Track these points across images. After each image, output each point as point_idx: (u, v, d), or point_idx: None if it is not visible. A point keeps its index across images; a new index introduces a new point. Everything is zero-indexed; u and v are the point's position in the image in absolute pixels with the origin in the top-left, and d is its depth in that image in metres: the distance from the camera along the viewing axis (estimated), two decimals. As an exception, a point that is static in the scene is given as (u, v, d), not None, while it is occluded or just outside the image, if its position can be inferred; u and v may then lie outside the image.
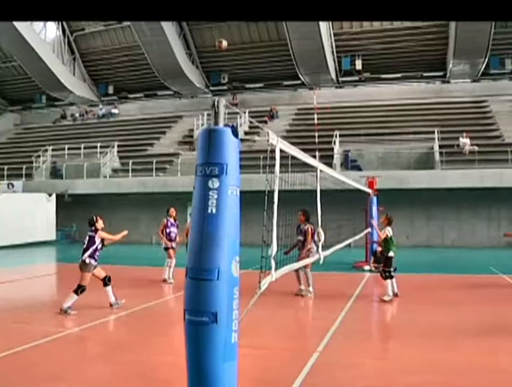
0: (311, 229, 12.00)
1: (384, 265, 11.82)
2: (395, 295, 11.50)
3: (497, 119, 32.74)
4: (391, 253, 11.73)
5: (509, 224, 26.23)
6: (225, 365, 4.28)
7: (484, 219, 26.94)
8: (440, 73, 38.46)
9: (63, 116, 43.33)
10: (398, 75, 39.20)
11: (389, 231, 11.75)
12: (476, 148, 28.19)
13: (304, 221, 12.19)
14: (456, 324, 9.16)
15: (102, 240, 10.33)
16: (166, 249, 14.65)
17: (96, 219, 10.42)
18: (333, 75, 38.16)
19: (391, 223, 11.90)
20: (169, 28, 36.10)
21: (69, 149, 34.42)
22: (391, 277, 11.52)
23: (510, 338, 8.37)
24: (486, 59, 35.40)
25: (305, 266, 11.66)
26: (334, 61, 38.06)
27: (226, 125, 4.51)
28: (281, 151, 5.88)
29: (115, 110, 41.62)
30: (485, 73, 37.06)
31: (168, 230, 14.59)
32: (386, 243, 11.79)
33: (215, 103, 4.42)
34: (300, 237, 12.14)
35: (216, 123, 4.44)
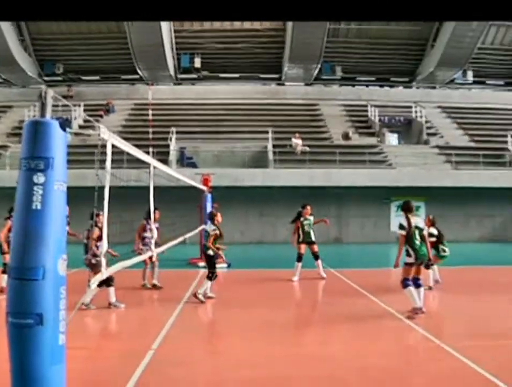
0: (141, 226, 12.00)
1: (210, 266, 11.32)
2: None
3: (327, 122, 34.75)
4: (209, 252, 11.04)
5: (336, 221, 27.80)
6: (53, 368, 4.07)
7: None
8: (276, 76, 40.03)
9: None
10: (236, 75, 40.15)
11: None
12: (307, 149, 29.62)
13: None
14: (289, 316, 9.54)
15: None
16: None
17: None
18: (172, 72, 38.09)
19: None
20: None
21: None
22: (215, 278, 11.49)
23: (338, 327, 8.91)
24: (319, 65, 37.54)
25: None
26: (174, 57, 38.02)
27: (56, 118, 4.30)
28: (113, 146, 5.72)
29: None
30: (317, 78, 39.32)
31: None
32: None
33: (43, 94, 4.19)
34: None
35: (43, 115, 4.20)
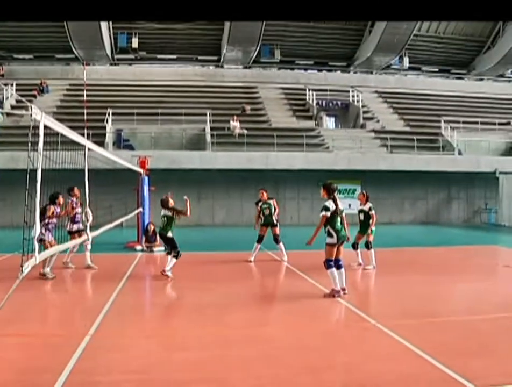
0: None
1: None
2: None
3: (265, 105, 34.84)
4: None
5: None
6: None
7: (251, 198, 28.44)
8: (215, 58, 39.83)
9: None
10: (174, 56, 39.75)
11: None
12: (245, 131, 29.65)
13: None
14: (225, 298, 9.57)
15: None
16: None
17: None
18: (109, 52, 37.28)
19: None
20: None
21: None
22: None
23: (274, 307, 9.02)
24: (258, 48, 37.50)
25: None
26: (110, 37, 37.23)
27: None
28: (46, 127, 5.56)
29: None
30: (256, 61, 39.29)
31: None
32: None
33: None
34: None
35: (-29, 94, 4.03)
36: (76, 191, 12.41)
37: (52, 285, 10.78)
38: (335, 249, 9.52)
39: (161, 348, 6.53)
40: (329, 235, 9.47)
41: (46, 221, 11.06)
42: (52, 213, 11.30)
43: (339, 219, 9.56)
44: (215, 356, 6.19)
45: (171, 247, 12.08)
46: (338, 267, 9.51)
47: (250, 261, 14.04)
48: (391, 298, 9.89)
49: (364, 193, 13.31)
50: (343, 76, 40.55)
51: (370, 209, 12.87)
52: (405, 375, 5.48)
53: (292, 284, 11.16)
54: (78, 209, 12.61)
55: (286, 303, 9.33)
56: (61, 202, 11.69)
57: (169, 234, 12.06)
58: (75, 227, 12.58)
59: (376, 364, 5.85)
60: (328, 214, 9.42)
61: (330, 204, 9.51)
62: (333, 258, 9.49)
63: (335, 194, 9.67)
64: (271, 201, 14.49)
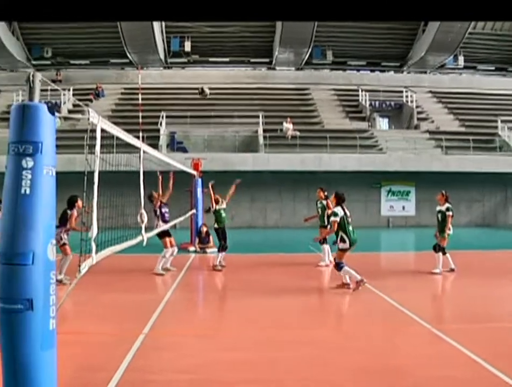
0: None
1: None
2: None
3: (317, 106, 34.70)
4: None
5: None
6: (43, 353, 4.05)
7: (304, 200, 28.38)
8: (267, 60, 39.86)
9: None
10: (226, 59, 39.98)
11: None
12: (298, 133, 29.60)
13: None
14: (276, 300, 9.57)
15: None
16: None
17: None
18: (162, 55, 37.83)
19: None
20: (-15, -5, 33.25)
21: None
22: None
23: (327, 310, 8.97)
24: (310, 50, 37.36)
25: None
26: (163, 41, 37.73)
27: (45, 102, 4.24)
28: (103, 130, 5.68)
29: None
30: (308, 62, 39.12)
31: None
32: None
33: (30, 77, 4.13)
34: None
35: (31, 99, 4.14)
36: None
37: (108, 285, 10.98)
38: (346, 254, 10.20)
39: (212, 348, 6.59)
40: (342, 240, 10.13)
41: (67, 226, 10.93)
42: (76, 218, 11.00)
43: (350, 224, 10.24)
44: (266, 357, 6.20)
45: (220, 238, 13.17)
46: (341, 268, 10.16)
47: (327, 265, 13.59)
48: (446, 301, 9.73)
49: (444, 193, 12.81)
50: (397, 76, 39.98)
51: (447, 209, 12.45)
52: (460, 381, 5.36)
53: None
54: (165, 209, 12.55)
55: (338, 305, 9.28)
56: (80, 206, 10.97)
57: (215, 226, 13.37)
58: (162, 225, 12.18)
59: (429, 369, 5.74)
60: (338, 219, 10.10)
61: (339, 210, 10.22)
62: (344, 261, 10.14)
63: (343, 202, 10.39)
64: (324, 201, 13.99)
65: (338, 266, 10.10)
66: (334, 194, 10.61)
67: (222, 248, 13.19)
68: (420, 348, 6.64)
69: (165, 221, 12.34)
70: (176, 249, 12.93)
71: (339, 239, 10.21)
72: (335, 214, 10.17)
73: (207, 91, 17.38)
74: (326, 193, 13.98)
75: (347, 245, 10.10)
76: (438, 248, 12.42)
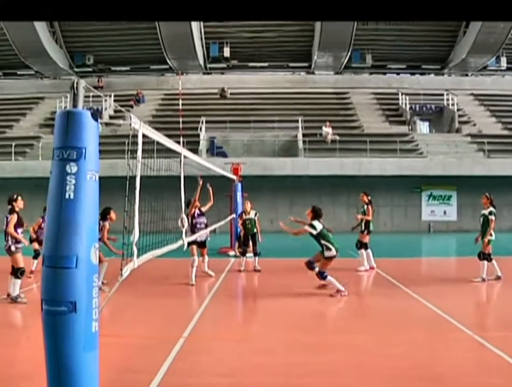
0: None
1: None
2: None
3: (357, 111, 34.51)
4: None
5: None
6: (86, 355, 4.13)
7: (343, 205, 28.21)
8: (305, 64, 39.79)
9: None
10: (265, 64, 40.06)
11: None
12: (338, 137, 29.46)
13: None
14: (314, 305, 9.54)
15: None
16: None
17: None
18: (201, 61, 38.13)
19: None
20: (30, 4, 34.02)
21: None
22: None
23: (364, 315, 8.89)
24: (349, 53, 37.15)
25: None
26: (203, 46, 38.01)
27: (88, 108, 4.33)
28: (144, 136, 5.76)
29: (-32, 89, 38.69)
30: (347, 66, 38.92)
31: None
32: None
33: (75, 84, 4.22)
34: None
35: (75, 105, 4.23)
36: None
37: (148, 289, 11.10)
38: (331, 263, 10.33)
39: (250, 352, 6.61)
40: (328, 248, 10.23)
41: (99, 236, 10.79)
42: (108, 230, 11.00)
43: (328, 233, 10.48)
44: (303, 361, 6.20)
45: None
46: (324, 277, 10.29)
47: (367, 270, 13.71)
48: (489, 308, 9.53)
49: (488, 196, 12.46)
50: (437, 78, 39.43)
51: (490, 213, 12.14)
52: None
53: (384, 292, 10.93)
54: (199, 219, 12.33)
55: (377, 310, 9.19)
56: (113, 218, 11.08)
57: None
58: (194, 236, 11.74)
59: (471, 376, 5.66)
60: (313, 231, 10.32)
61: (317, 224, 10.43)
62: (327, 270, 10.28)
63: (320, 219, 10.61)
64: (365, 206, 14.03)
65: (321, 275, 10.25)
66: (311, 208, 10.75)
67: (254, 253, 13.88)
68: (461, 354, 6.53)
69: (193, 232, 11.90)
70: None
71: (324, 248, 10.26)
72: (313, 226, 10.38)
73: (228, 91, 17.53)
74: (369, 198, 13.95)
75: (333, 252, 10.20)
76: (482, 256, 12.00)
